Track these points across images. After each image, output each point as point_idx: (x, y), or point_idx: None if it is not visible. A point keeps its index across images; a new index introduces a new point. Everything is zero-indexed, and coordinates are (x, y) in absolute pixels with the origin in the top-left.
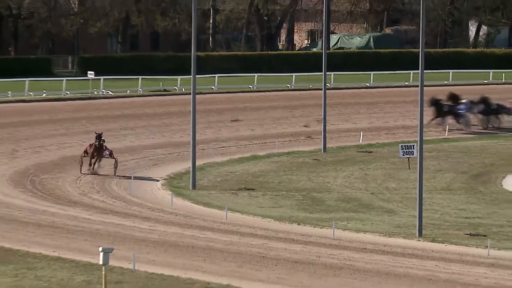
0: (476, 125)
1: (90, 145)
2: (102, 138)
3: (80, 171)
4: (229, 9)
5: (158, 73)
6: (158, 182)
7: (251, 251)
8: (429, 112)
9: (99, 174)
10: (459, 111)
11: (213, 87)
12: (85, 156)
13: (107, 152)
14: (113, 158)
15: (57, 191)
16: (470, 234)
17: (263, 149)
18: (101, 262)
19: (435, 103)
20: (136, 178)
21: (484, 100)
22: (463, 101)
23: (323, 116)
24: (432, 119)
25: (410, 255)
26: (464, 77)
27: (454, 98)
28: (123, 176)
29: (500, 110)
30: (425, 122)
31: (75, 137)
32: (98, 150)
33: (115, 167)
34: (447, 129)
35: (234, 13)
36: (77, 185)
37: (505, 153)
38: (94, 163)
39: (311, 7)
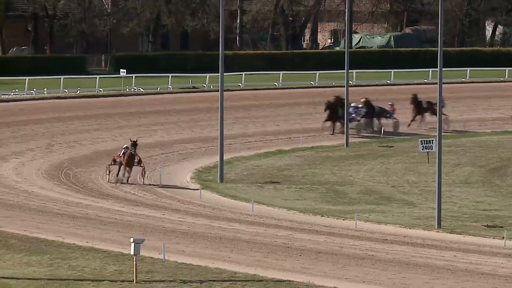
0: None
1: (121, 155)
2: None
3: (108, 180)
4: (256, 10)
5: (187, 71)
6: (187, 175)
7: (277, 242)
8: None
9: (127, 183)
10: (350, 115)
11: (240, 84)
12: (112, 165)
13: (136, 160)
14: (141, 166)
15: (90, 184)
16: (487, 226)
17: (288, 144)
18: (132, 252)
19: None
20: (163, 186)
21: (367, 104)
22: (352, 104)
23: (345, 113)
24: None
25: (430, 246)
26: (481, 74)
27: (338, 101)
28: (151, 184)
29: (382, 113)
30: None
31: (108, 133)
32: (131, 159)
33: (143, 175)
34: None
35: (260, 14)
36: (109, 178)
37: None
38: (125, 173)
39: (334, 8)
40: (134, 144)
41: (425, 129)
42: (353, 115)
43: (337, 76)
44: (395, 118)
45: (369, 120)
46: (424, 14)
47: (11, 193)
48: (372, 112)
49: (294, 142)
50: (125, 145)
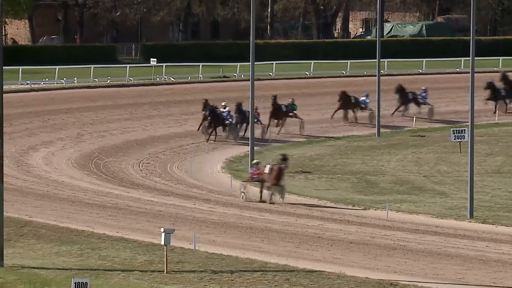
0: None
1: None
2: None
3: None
4: None
5: (218, 60)
6: (218, 165)
7: (308, 232)
8: (480, 97)
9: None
10: (226, 119)
11: (271, 74)
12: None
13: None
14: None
15: (120, 174)
16: None
17: (319, 133)
18: (162, 242)
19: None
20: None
21: (238, 108)
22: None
23: (377, 102)
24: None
25: (462, 236)
26: None
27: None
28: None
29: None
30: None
31: (138, 122)
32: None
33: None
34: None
35: (291, 3)
36: (140, 168)
37: None
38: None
39: None
40: (284, 159)
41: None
42: (231, 119)
43: (368, 65)
44: (261, 123)
45: (239, 125)
46: (456, 2)
47: (41, 183)
48: (244, 116)
49: (326, 131)
50: (255, 160)
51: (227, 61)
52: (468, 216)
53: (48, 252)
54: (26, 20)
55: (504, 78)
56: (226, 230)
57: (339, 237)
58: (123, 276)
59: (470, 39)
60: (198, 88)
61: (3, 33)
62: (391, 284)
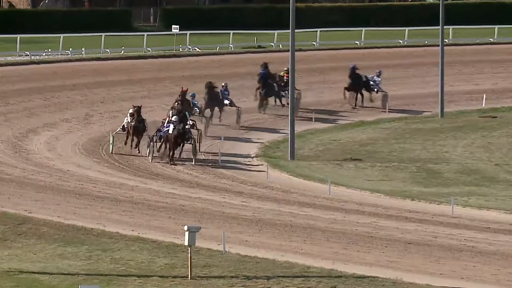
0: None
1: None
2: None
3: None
4: None
5: (251, 27)
6: (252, 151)
7: (358, 230)
8: None
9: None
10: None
11: (314, 43)
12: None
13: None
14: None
15: (136, 162)
16: None
17: (372, 114)
18: (186, 243)
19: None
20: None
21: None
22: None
23: (440, 76)
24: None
25: None
26: None
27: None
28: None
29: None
30: None
31: (157, 100)
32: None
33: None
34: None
35: None
36: (160, 154)
37: None
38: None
39: None
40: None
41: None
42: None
43: (430, 33)
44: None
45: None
46: None
47: (43, 173)
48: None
49: (379, 112)
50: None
51: (263, 29)
52: None
53: (51, 254)
54: None
55: None
56: (262, 228)
57: (395, 237)
58: (140, 282)
59: None
60: (228, 60)
61: None
62: None
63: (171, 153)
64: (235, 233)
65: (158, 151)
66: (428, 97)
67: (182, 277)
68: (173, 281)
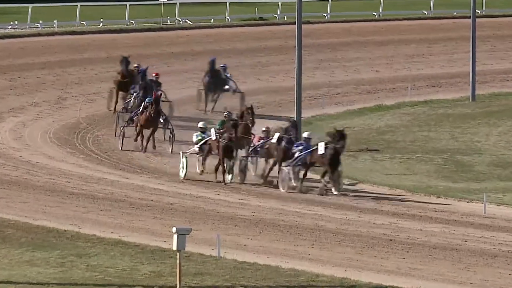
0: None
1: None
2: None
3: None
4: None
5: None
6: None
7: (375, 232)
8: None
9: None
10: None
11: (325, 15)
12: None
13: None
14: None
15: (117, 153)
16: None
17: (392, 97)
18: (175, 247)
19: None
20: None
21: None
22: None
23: (471, 53)
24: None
25: None
26: None
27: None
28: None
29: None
30: None
31: None
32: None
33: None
34: None
35: None
36: (144, 144)
37: None
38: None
39: None
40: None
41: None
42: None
43: (460, 3)
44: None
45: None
46: None
47: (8, 165)
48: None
49: (400, 95)
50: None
51: None
52: None
53: (17, 260)
54: None
55: None
56: (263, 230)
57: (418, 240)
58: None
59: None
60: (224, 34)
61: None
62: None
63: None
64: (231, 236)
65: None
66: (457, 78)
67: (169, 287)
68: None
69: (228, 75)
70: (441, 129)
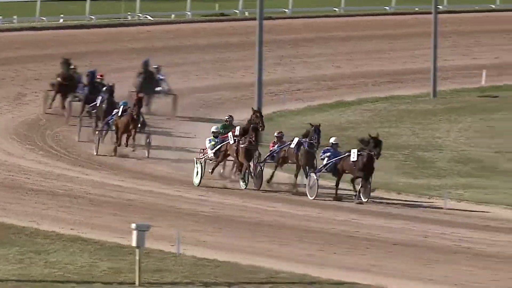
0: None
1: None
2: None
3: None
4: None
5: None
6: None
7: (336, 229)
8: None
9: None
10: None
11: (286, 10)
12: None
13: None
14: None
15: (77, 149)
16: None
17: (353, 93)
18: (134, 244)
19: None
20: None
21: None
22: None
23: (433, 49)
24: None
25: None
26: None
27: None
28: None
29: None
30: None
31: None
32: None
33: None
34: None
35: None
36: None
37: None
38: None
39: None
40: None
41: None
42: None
43: None
44: None
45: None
46: None
47: None
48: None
49: (361, 91)
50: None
51: None
52: None
53: None
54: None
55: None
56: (223, 227)
57: (378, 237)
58: None
59: None
60: (185, 30)
61: None
62: None
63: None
64: (191, 232)
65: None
66: (418, 74)
67: (129, 283)
68: None
69: (162, 77)
70: (402, 125)
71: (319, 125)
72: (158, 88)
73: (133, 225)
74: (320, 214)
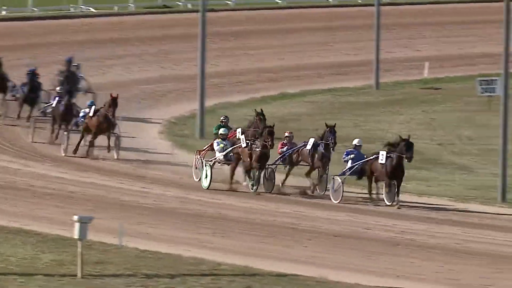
0: None
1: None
2: None
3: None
4: None
5: None
6: (155, 129)
7: (278, 221)
8: None
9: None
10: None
11: (229, 2)
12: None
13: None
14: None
15: (20, 142)
16: None
17: (296, 85)
18: (76, 236)
19: None
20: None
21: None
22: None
23: (375, 41)
24: None
25: (490, 226)
26: None
27: None
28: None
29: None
30: None
31: (46, 69)
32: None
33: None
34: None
35: None
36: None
37: None
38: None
39: None
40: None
41: None
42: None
43: None
44: None
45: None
46: None
47: None
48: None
49: (304, 83)
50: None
51: None
52: (499, 199)
53: None
54: None
55: None
56: (165, 219)
57: (320, 229)
58: (22, 282)
59: None
60: (128, 22)
61: None
62: None
63: None
64: (133, 225)
65: None
66: (361, 66)
67: (71, 275)
68: (60, 280)
69: (81, 75)
70: (344, 117)
71: (334, 125)
72: (78, 86)
73: (75, 217)
74: (263, 206)
